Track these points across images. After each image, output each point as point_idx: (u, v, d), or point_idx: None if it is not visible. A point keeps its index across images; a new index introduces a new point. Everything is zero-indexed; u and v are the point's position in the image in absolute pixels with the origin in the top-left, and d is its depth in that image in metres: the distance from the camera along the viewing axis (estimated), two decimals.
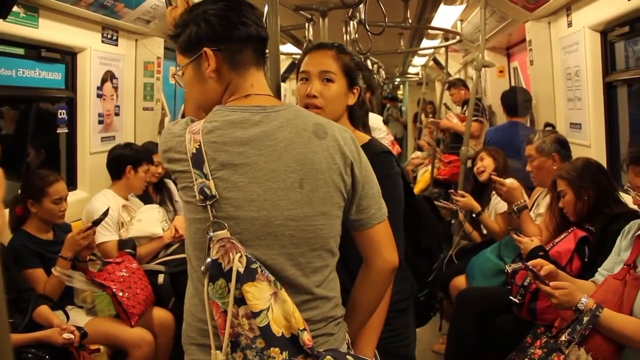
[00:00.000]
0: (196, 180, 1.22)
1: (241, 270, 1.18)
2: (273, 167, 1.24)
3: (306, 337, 1.18)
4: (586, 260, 2.47)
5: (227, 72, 1.32)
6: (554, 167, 2.97)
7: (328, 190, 1.27)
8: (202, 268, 1.21)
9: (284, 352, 1.16)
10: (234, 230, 1.22)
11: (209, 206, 1.22)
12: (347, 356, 1.26)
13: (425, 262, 1.95)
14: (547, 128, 3.25)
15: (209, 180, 1.22)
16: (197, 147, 1.23)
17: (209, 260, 1.21)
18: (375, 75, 7.21)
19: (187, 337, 1.32)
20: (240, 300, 1.17)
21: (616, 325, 1.91)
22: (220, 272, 1.19)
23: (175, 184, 1.35)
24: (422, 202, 1.96)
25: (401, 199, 1.66)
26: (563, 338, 1.95)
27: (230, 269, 1.18)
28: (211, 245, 1.21)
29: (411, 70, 11.15)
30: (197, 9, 1.33)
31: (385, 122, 9.28)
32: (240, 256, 1.19)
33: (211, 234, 1.21)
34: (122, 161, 3.27)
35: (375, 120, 3.25)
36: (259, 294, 1.17)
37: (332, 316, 1.32)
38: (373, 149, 1.67)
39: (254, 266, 1.19)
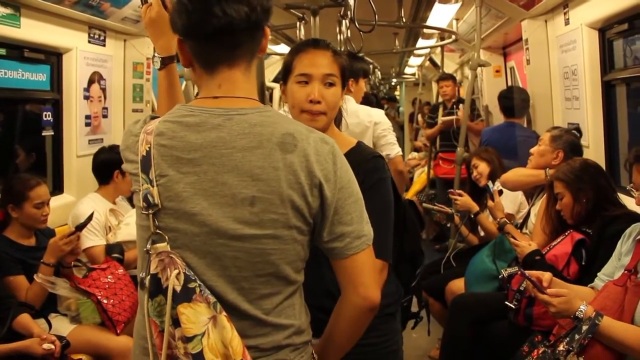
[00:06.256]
0: (142, 185, 1.12)
1: (178, 288, 1.06)
2: (224, 180, 1.10)
3: None
4: (583, 263, 2.40)
5: (198, 67, 1.19)
6: (552, 163, 2.93)
7: (284, 212, 1.11)
8: (139, 282, 1.13)
9: None
10: (174, 244, 1.11)
11: (151, 215, 1.11)
12: None
13: (408, 267, 1.87)
14: (573, 130, 3.16)
15: (153, 187, 1.11)
16: (147, 149, 1.12)
17: (142, 274, 1.12)
18: (370, 76, 7.15)
19: (133, 354, 1.23)
20: (177, 322, 1.06)
21: (617, 334, 1.83)
22: (159, 288, 1.09)
23: None
24: (407, 207, 1.89)
25: (392, 204, 1.60)
26: (561, 348, 1.88)
27: (167, 287, 1.07)
28: (151, 259, 1.10)
29: (408, 70, 11.11)
30: None
31: None
32: (178, 273, 1.07)
33: (148, 246, 1.11)
34: (109, 166, 3.20)
35: (378, 113, 3.16)
36: (195, 317, 1.06)
37: (288, 344, 1.18)
38: (364, 154, 1.62)
39: (191, 285, 1.07)
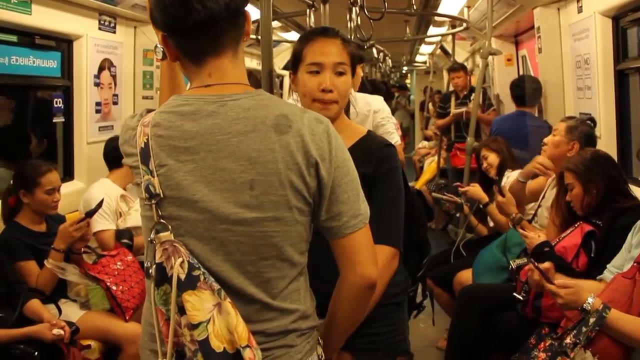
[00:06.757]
0: (143, 176, 1.13)
1: (182, 276, 1.07)
2: (222, 165, 1.11)
3: (248, 355, 1.06)
4: (593, 255, 2.38)
5: (185, 61, 1.19)
6: (568, 155, 2.86)
7: (284, 193, 1.12)
8: (145, 271, 1.15)
9: None
10: (177, 232, 1.12)
11: (153, 205, 1.12)
12: None
13: (416, 256, 1.89)
14: (588, 121, 3.11)
15: (153, 177, 1.12)
16: (145, 141, 1.13)
17: (148, 263, 1.14)
18: (380, 64, 7.10)
19: (142, 340, 1.25)
20: (183, 309, 1.08)
21: (624, 326, 1.82)
22: (165, 277, 1.10)
23: None
24: (416, 197, 1.89)
25: (403, 192, 1.62)
26: (568, 340, 1.87)
27: (172, 275, 1.08)
28: (156, 248, 1.12)
29: (419, 58, 11.02)
30: None
31: (394, 110, 9.16)
32: (182, 261, 1.08)
33: (152, 235, 1.12)
34: None
35: (376, 101, 3.09)
36: (200, 304, 1.07)
37: (294, 329, 1.19)
38: (376, 143, 1.63)
39: (196, 273, 1.08)
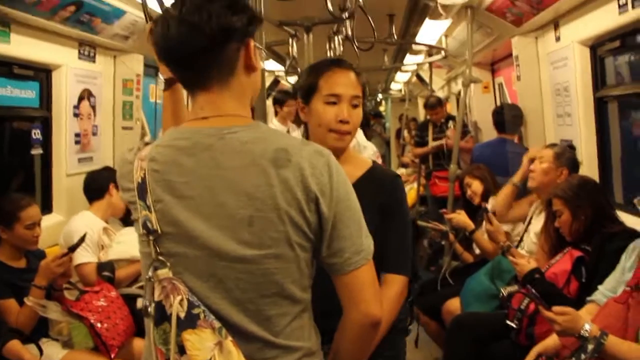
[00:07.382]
0: (141, 212, 1.11)
1: (182, 315, 1.05)
2: (221, 201, 1.08)
3: None
4: (584, 281, 2.39)
5: (187, 90, 1.20)
6: (557, 181, 2.88)
7: (284, 230, 1.08)
8: (142, 309, 1.11)
9: None
10: (175, 269, 1.09)
11: (151, 242, 1.10)
12: None
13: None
14: (568, 147, 3.15)
15: (151, 212, 1.09)
16: (142, 176, 1.11)
17: (147, 301, 1.10)
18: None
19: None
20: (183, 349, 1.04)
21: (622, 353, 1.83)
22: (164, 315, 1.07)
23: None
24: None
25: (410, 221, 1.65)
26: None
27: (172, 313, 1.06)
28: (154, 286, 1.09)
29: (394, 86, 11.14)
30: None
31: (369, 138, 9.22)
32: (181, 299, 1.06)
33: (150, 273, 1.09)
34: (105, 180, 3.18)
35: (358, 136, 3.07)
36: (200, 343, 1.04)
37: None
38: (385, 174, 1.66)
39: (196, 311, 1.05)
